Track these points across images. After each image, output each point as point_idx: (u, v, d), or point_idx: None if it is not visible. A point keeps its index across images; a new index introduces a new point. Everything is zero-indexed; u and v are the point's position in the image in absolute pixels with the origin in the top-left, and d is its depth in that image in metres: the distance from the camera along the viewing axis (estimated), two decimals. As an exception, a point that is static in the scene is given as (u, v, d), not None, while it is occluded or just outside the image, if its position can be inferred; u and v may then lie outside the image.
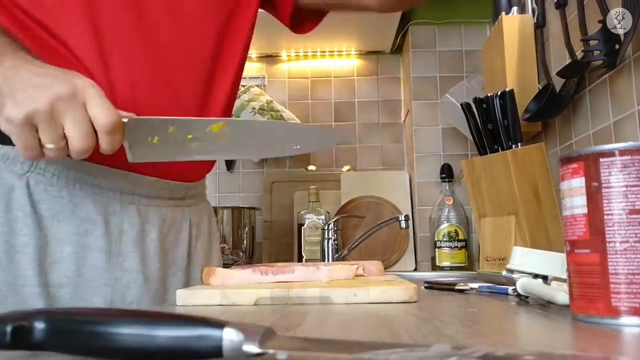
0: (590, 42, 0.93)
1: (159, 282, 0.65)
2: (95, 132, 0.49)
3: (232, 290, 0.50)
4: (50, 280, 0.57)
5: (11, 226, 0.55)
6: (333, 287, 0.50)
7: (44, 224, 0.57)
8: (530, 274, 0.49)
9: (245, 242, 1.50)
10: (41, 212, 0.57)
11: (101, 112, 0.48)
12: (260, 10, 1.60)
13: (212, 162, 0.75)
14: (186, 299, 0.49)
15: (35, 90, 0.46)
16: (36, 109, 0.46)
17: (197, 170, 0.72)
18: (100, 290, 0.59)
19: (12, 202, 0.56)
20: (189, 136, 0.52)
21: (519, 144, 1.11)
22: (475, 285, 0.62)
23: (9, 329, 0.24)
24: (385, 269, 0.77)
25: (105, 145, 0.49)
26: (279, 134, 0.55)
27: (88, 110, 0.48)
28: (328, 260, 1.45)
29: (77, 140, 0.47)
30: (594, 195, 0.34)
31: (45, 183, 0.57)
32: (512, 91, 1.12)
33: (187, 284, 0.70)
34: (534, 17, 1.21)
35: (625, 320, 0.33)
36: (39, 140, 0.48)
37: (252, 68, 1.80)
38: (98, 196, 0.60)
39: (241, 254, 1.49)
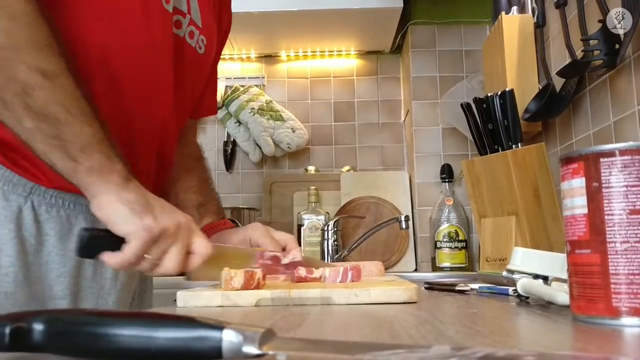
0: (590, 41, 0.93)
1: (127, 286, 0.71)
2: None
3: (233, 292, 0.50)
4: (55, 293, 0.61)
5: (23, 245, 0.59)
6: (334, 288, 0.50)
7: (49, 242, 0.61)
8: (530, 274, 0.49)
9: (245, 242, 1.50)
10: (45, 230, 0.61)
11: (204, 244, 0.57)
12: (260, 10, 1.60)
13: None
14: (187, 301, 0.50)
15: (167, 212, 0.54)
16: (168, 228, 0.53)
17: None
18: (88, 299, 0.65)
19: (21, 222, 0.59)
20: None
21: (519, 144, 1.11)
22: (475, 285, 0.62)
23: (7, 330, 0.24)
24: (385, 269, 0.78)
25: (193, 267, 0.56)
26: None
27: (193, 239, 0.56)
28: (327, 261, 1.45)
29: (173, 263, 0.54)
30: (595, 196, 0.34)
31: (46, 204, 0.61)
32: (512, 91, 1.12)
33: (142, 284, 0.76)
34: (533, 16, 1.21)
35: (626, 320, 0.33)
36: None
37: (251, 68, 1.80)
38: (87, 214, 0.63)
39: (241, 254, 1.49)
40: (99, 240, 0.52)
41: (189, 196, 0.78)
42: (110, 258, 0.52)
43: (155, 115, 0.66)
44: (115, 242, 0.52)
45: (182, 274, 0.59)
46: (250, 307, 0.48)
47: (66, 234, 0.62)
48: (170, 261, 0.54)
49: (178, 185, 0.79)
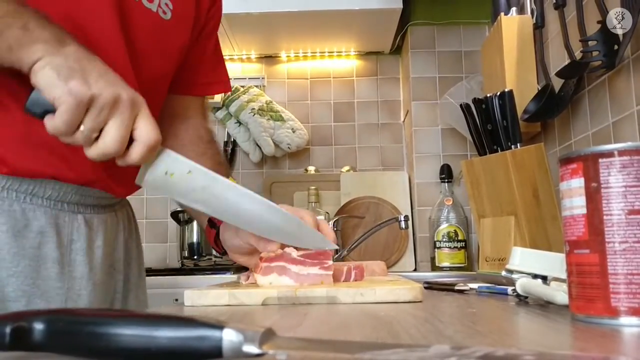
0: (589, 42, 0.93)
1: (104, 286, 0.67)
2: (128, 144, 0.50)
3: (240, 291, 0.50)
4: (6, 294, 0.57)
5: None
6: (339, 287, 0.50)
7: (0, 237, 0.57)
8: (529, 274, 0.49)
9: (244, 242, 1.50)
10: None
11: (150, 127, 0.50)
12: (260, 11, 1.60)
13: None
14: (194, 300, 0.50)
15: (105, 80, 0.48)
16: (102, 94, 0.47)
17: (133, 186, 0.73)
18: (54, 300, 0.60)
19: None
20: (200, 185, 0.54)
21: (518, 144, 1.11)
22: (474, 285, 0.62)
23: (8, 329, 0.24)
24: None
25: (135, 156, 0.50)
26: (275, 221, 0.56)
27: (137, 122, 0.49)
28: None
29: (110, 140, 0.48)
30: (593, 196, 0.34)
31: None
32: (511, 92, 1.13)
33: (126, 284, 0.72)
34: (532, 17, 1.21)
35: (625, 320, 0.33)
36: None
37: (251, 69, 1.80)
38: (48, 208, 0.61)
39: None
40: (44, 101, 0.48)
41: None
42: (47, 121, 0.48)
43: None
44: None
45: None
46: (257, 305, 0.48)
47: (21, 230, 0.58)
48: (108, 137, 0.48)
49: None
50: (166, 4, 0.67)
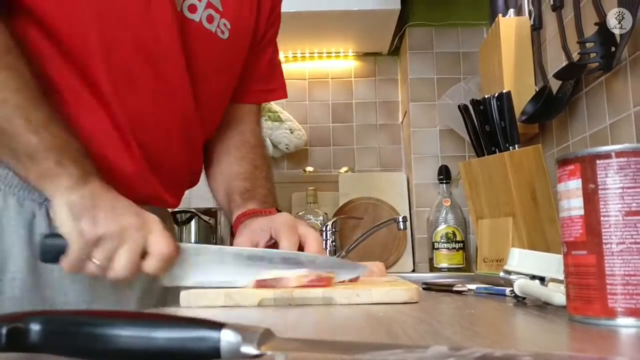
0: (587, 44, 0.93)
1: (149, 292, 0.69)
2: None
3: (236, 291, 0.50)
4: (70, 299, 0.61)
5: (35, 251, 0.58)
6: (335, 288, 0.50)
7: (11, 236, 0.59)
8: (527, 275, 0.49)
9: (242, 243, 1.50)
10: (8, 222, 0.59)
11: (162, 241, 0.53)
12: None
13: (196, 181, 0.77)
14: (190, 301, 0.50)
15: (114, 215, 0.52)
16: (108, 231, 0.51)
17: (179, 197, 0.74)
18: (108, 307, 0.63)
19: (34, 229, 0.59)
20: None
21: (516, 145, 1.11)
22: (472, 286, 0.62)
23: (4, 330, 0.24)
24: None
25: (148, 270, 0.53)
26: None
27: (149, 239, 0.53)
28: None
29: (122, 265, 0.52)
30: (591, 197, 0.34)
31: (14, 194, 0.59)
32: (509, 93, 1.13)
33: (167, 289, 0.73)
34: (530, 19, 1.21)
35: (622, 321, 0.33)
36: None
37: (249, 69, 1.80)
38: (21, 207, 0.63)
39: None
40: (59, 244, 0.52)
41: (236, 183, 0.74)
42: (62, 261, 0.52)
43: (172, 101, 0.64)
44: None
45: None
46: (252, 306, 0.48)
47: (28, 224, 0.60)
48: (118, 263, 0.52)
49: (227, 174, 0.76)
50: (224, 24, 0.68)
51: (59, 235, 0.52)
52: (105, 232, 0.51)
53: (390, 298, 0.48)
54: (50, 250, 0.52)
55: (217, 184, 0.77)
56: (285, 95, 0.86)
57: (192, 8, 0.64)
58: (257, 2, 0.73)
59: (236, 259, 0.56)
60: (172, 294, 0.73)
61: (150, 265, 0.53)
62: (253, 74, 0.79)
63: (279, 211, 0.71)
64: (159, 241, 0.53)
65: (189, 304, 0.50)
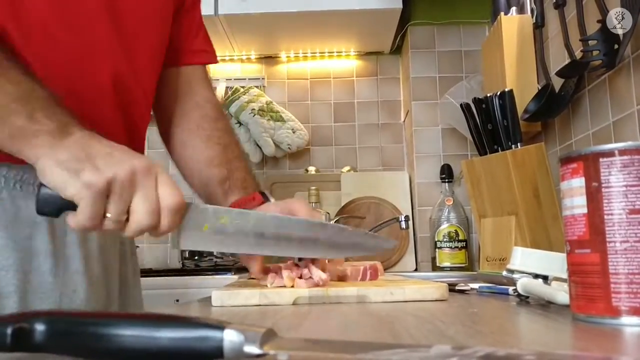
0: (590, 42, 0.93)
1: (100, 284, 0.63)
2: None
3: (271, 290, 0.50)
4: None
5: None
6: (370, 287, 0.52)
7: None
8: (530, 274, 0.49)
9: (245, 243, 1.50)
10: None
11: (170, 191, 0.47)
12: (259, 11, 1.60)
13: None
14: (224, 300, 0.48)
15: (114, 159, 0.46)
16: (117, 175, 0.45)
17: None
18: (48, 296, 0.57)
19: None
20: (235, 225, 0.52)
21: (518, 144, 1.11)
22: (475, 285, 0.62)
23: (9, 330, 0.24)
24: (385, 269, 0.78)
25: (166, 226, 0.48)
26: (324, 235, 0.54)
27: (159, 188, 0.47)
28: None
29: (142, 215, 0.46)
30: (594, 195, 0.34)
31: None
32: (511, 91, 1.13)
33: (123, 281, 0.69)
34: (532, 17, 1.21)
35: (626, 320, 0.33)
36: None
37: (251, 69, 1.80)
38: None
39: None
40: (57, 198, 0.45)
41: (212, 171, 0.69)
42: (70, 219, 0.46)
43: (98, 68, 0.57)
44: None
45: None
46: (288, 305, 0.48)
47: (11, 220, 0.54)
48: (138, 214, 0.46)
49: (197, 159, 0.70)
50: None
51: None
52: (113, 176, 0.45)
53: (422, 295, 0.50)
54: (51, 202, 0.46)
55: (190, 170, 0.71)
56: (216, 60, 0.78)
57: None
58: None
59: (263, 221, 0.52)
60: (130, 292, 0.69)
61: (166, 220, 0.47)
62: (186, 33, 0.73)
63: (261, 193, 0.67)
64: (168, 189, 0.47)
65: (222, 303, 0.48)
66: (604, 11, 0.89)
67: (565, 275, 0.40)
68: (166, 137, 0.74)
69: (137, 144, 0.65)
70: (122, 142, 0.53)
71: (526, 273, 0.49)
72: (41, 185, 0.46)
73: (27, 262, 0.55)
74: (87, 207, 0.45)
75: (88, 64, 0.57)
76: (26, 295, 0.55)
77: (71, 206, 0.46)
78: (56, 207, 0.46)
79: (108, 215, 0.46)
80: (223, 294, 0.49)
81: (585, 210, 0.35)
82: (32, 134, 0.45)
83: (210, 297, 0.51)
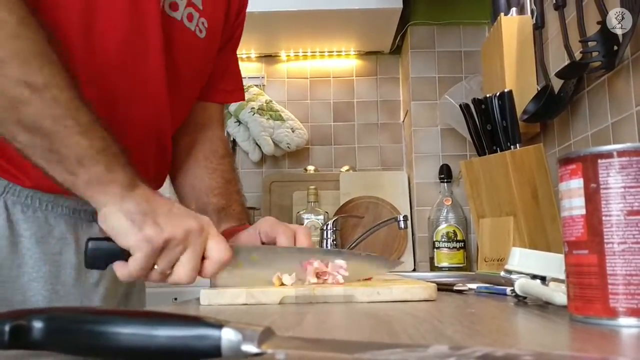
0: (589, 43, 0.93)
1: (113, 292, 0.68)
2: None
3: (257, 290, 0.50)
4: (27, 298, 0.59)
5: None
6: (357, 286, 0.51)
7: (22, 244, 0.58)
8: (528, 274, 0.49)
9: (243, 242, 1.50)
10: (19, 232, 0.58)
11: (221, 247, 0.52)
12: (260, 10, 1.61)
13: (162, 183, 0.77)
14: (211, 299, 0.49)
15: (174, 219, 0.50)
16: (174, 235, 0.49)
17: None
18: (71, 304, 0.61)
19: None
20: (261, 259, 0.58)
21: (517, 144, 1.11)
22: (473, 285, 0.62)
23: (7, 328, 0.24)
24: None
25: (208, 274, 0.53)
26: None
27: (208, 244, 0.52)
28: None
29: (185, 271, 0.51)
30: (592, 196, 0.34)
31: (21, 204, 0.58)
32: (510, 92, 1.13)
33: (130, 289, 0.73)
34: (532, 18, 1.21)
35: (623, 321, 0.33)
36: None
37: (251, 68, 1.80)
38: (67, 216, 0.62)
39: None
40: (107, 250, 0.50)
41: (210, 199, 0.74)
42: (119, 268, 0.50)
43: (146, 101, 0.62)
44: (125, 250, 0.50)
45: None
46: (274, 304, 0.48)
47: (44, 236, 0.59)
48: (182, 270, 0.51)
49: (199, 188, 0.75)
50: (203, 23, 0.67)
51: (103, 239, 0.50)
52: (170, 237, 0.49)
53: (410, 295, 0.50)
54: (99, 255, 0.50)
55: (187, 196, 0.76)
56: (243, 98, 0.86)
57: (174, 6, 0.63)
58: (227, 1, 0.73)
59: (288, 253, 0.58)
60: (136, 294, 0.74)
61: (209, 269, 0.52)
62: (221, 73, 0.78)
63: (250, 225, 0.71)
64: (218, 247, 0.52)
65: (210, 302, 0.49)
66: (603, 12, 0.89)
67: (563, 276, 0.40)
68: (172, 162, 0.77)
69: (161, 175, 0.72)
70: (151, 171, 0.62)
71: (524, 274, 0.49)
72: (90, 238, 0.51)
73: (55, 275, 0.60)
74: (141, 259, 0.49)
75: (137, 106, 0.62)
76: (52, 304, 0.59)
77: (121, 256, 0.50)
78: (105, 258, 0.51)
79: (155, 267, 0.50)
80: (210, 292, 0.50)
81: (583, 212, 0.35)
82: (106, 182, 0.49)
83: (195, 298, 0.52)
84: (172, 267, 0.51)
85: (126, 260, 0.50)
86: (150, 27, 0.60)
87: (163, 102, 0.65)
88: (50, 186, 0.54)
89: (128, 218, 0.49)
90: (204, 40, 0.68)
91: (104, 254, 0.50)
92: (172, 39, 0.63)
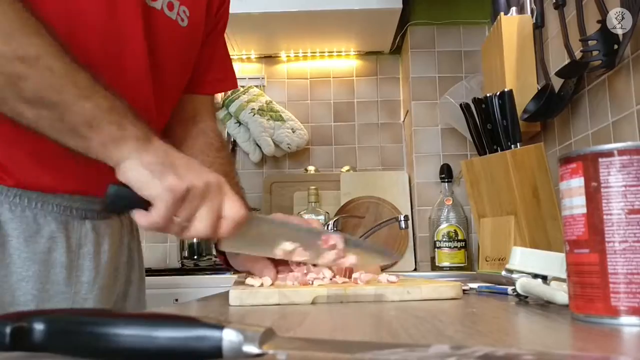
0: (589, 42, 0.93)
1: (108, 290, 0.67)
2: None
3: (290, 290, 0.50)
4: (16, 298, 0.58)
5: None
6: (388, 286, 0.53)
7: (10, 243, 0.57)
8: (529, 274, 0.49)
9: (244, 242, 1.50)
10: (7, 231, 0.57)
11: (237, 206, 0.53)
12: (259, 11, 1.61)
13: None
14: (243, 299, 0.48)
15: (193, 170, 0.51)
16: (195, 185, 0.50)
17: None
18: (61, 304, 0.61)
19: None
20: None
21: (518, 144, 1.11)
22: (474, 285, 0.62)
23: (8, 330, 0.24)
24: (384, 269, 0.78)
25: (224, 232, 0.53)
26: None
27: (225, 203, 0.52)
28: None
29: (204, 225, 0.51)
30: (593, 195, 0.34)
31: (9, 203, 0.57)
32: (511, 91, 1.13)
33: (127, 288, 0.72)
34: (532, 17, 1.21)
35: (624, 320, 0.33)
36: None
37: (251, 69, 1.80)
38: (57, 214, 0.61)
39: (241, 254, 1.49)
40: (128, 196, 0.49)
41: None
42: (140, 217, 0.50)
43: (127, 90, 0.60)
44: (146, 200, 0.50)
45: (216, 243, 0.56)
46: (307, 304, 0.48)
47: (33, 235, 0.58)
48: (201, 223, 0.51)
49: None
50: (184, 12, 0.67)
51: (124, 186, 0.50)
52: (191, 186, 0.49)
53: (438, 294, 0.51)
54: (119, 201, 0.50)
55: None
56: (235, 85, 0.85)
57: None
58: None
59: (298, 231, 0.58)
60: (135, 294, 0.73)
61: (225, 227, 0.52)
62: (207, 64, 0.77)
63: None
64: (234, 205, 0.52)
65: (242, 303, 0.48)
66: (603, 11, 0.89)
67: (564, 275, 0.40)
68: None
69: None
70: None
71: (525, 273, 0.49)
72: (112, 184, 0.50)
73: (45, 274, 0.59)
74: (163, 208, 0.49)
75: (120, 85, 0.60)
76: (43, 303, 0.59)
77: (142, 205, 0.49)
78: (126, 204, 0.50)
79: (176, 218, 0.50)
80: (242, 293, 0.48)
81: (584, 210, 0.35)
82: (121, 139, 0.49)
83: (216, 295, 0.51)
84: (191, 221, 0.51)
85: (146, 209, 0.50)
86: (130, 17, 0.59)
87: (146, 92, 0.63)
88: (37, 184, 0.54)
89: (148, 169, 0.49)
90: (187, 28, 0.67)
91: (124, 200, 0.50)
92: (154, 28, 0.62)
